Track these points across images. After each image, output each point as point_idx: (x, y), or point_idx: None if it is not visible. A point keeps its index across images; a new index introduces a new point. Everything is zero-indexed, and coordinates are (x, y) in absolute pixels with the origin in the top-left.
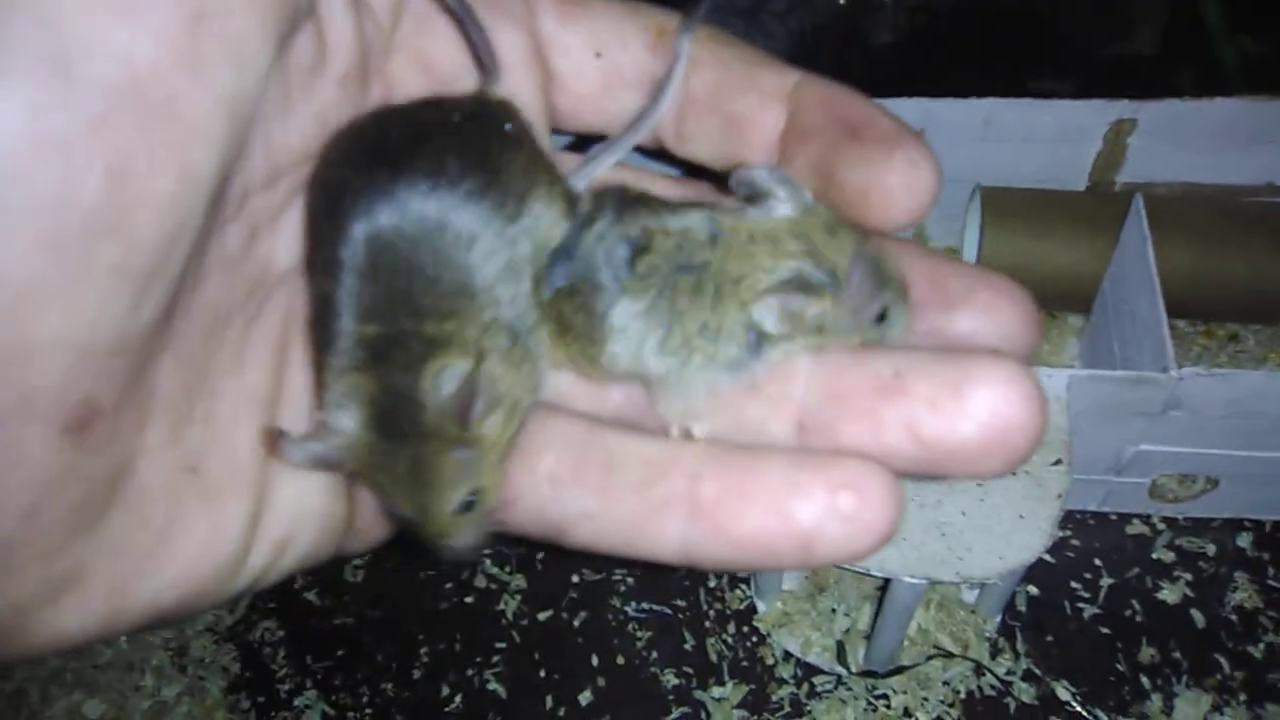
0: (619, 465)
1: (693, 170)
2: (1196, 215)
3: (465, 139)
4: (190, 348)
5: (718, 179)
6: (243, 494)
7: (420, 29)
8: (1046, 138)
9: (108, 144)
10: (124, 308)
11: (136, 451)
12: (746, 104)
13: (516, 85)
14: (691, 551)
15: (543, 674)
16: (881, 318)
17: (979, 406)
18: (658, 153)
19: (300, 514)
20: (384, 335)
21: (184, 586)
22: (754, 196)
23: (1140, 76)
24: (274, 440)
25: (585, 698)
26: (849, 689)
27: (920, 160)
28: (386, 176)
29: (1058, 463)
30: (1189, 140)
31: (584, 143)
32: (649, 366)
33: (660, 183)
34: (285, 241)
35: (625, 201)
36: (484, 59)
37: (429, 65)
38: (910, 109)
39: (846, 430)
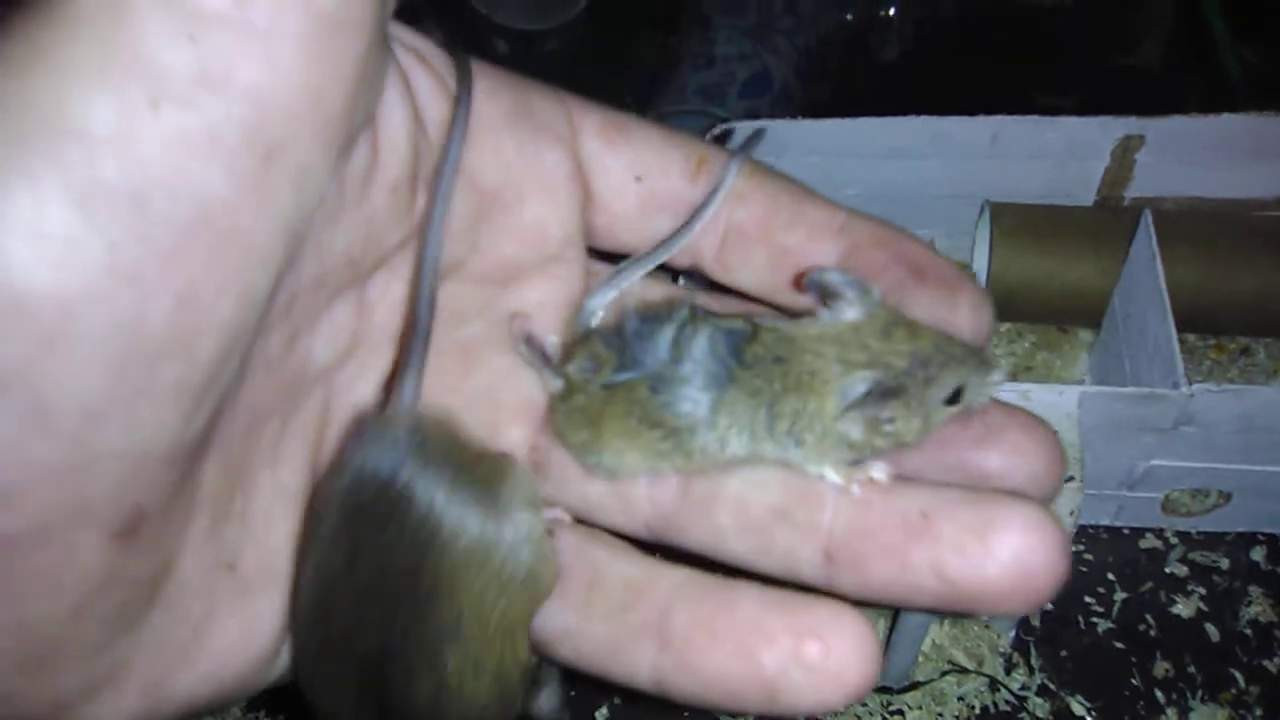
0: (601, 584)
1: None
2: (1205, 230)
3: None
4: (231, 446)
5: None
6: (276, 589)
7: (469, 142)
8: (1054, 154)
9: (178, 274)
10: (179, 421)
11: (179, 550)
12: (796, 237)
13: (558, 202)
14: (662, 683)
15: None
16: (955, 398)
17: (1004, 552)
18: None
19: None
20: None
21: (218, 681)
22: (825, 298)
23: (1146, 91)
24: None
25: (602, 714)
26: (865, 705)
27: (981, 301)
28: None
29: (1070, 479)
30: (1197, 155)
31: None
32: (764, 450)
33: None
34: (325, 341)
35: (693, 308)
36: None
37: (474, 178)
38: (918, 127)
39: (874, 567)
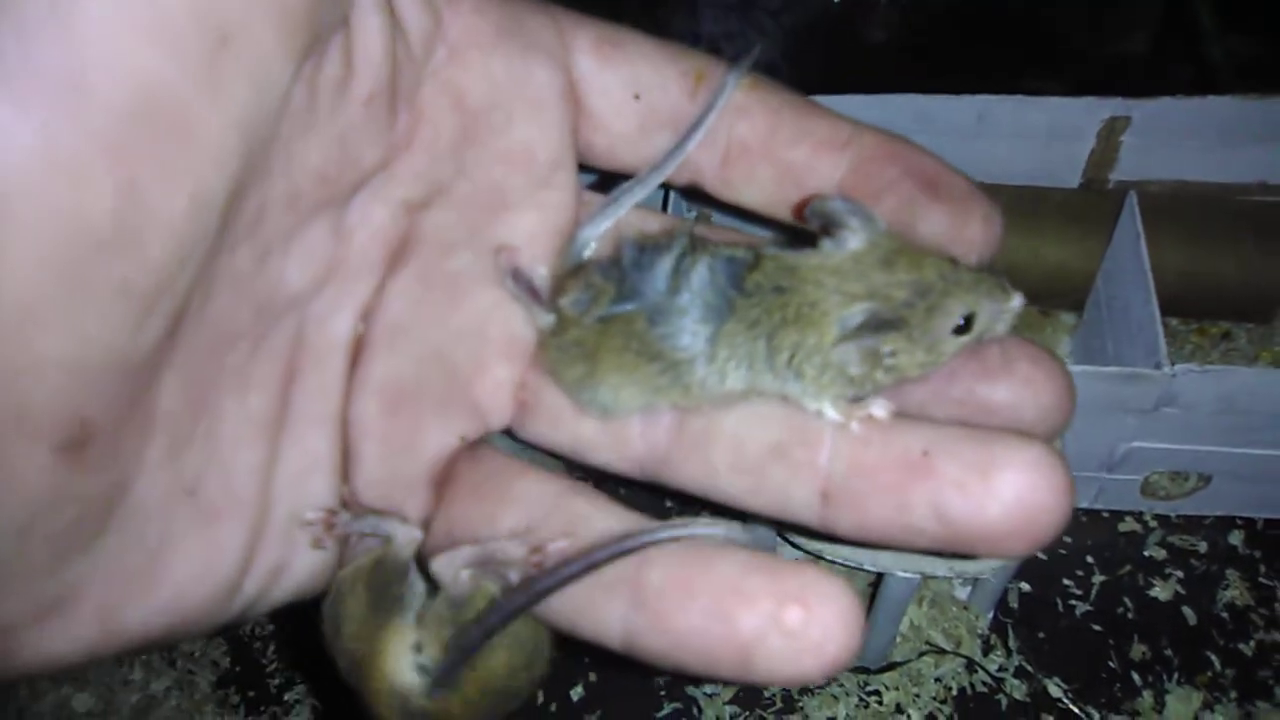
0: (577, 536)
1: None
2: (1189, 213)
3: None
4: (194, 366)
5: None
6: (239, 517)
7: (454, 59)
8: (1039, 135)
9: (120, 164)
10: (127, 327)
11: (134, 471)
12: (802, 152)
13: (546, 123)
14: (632, 640)
15: None
16: (966, 327)
17: (1006, 491)
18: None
19: (294, 542)
20: None
21: (176, 611)
22: (828, 227)
23: (1133, 76)
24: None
25: (577, 693)
26: (841, 685)
27: (993, 213)
28: None
29: None
30: (1182, 138)
31: (607, 181)
32: (763, 384)
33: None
34: (298, 263)
35: (692, 236)
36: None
37: (460, 97)
38: (903, 106)
39: (872, 506)
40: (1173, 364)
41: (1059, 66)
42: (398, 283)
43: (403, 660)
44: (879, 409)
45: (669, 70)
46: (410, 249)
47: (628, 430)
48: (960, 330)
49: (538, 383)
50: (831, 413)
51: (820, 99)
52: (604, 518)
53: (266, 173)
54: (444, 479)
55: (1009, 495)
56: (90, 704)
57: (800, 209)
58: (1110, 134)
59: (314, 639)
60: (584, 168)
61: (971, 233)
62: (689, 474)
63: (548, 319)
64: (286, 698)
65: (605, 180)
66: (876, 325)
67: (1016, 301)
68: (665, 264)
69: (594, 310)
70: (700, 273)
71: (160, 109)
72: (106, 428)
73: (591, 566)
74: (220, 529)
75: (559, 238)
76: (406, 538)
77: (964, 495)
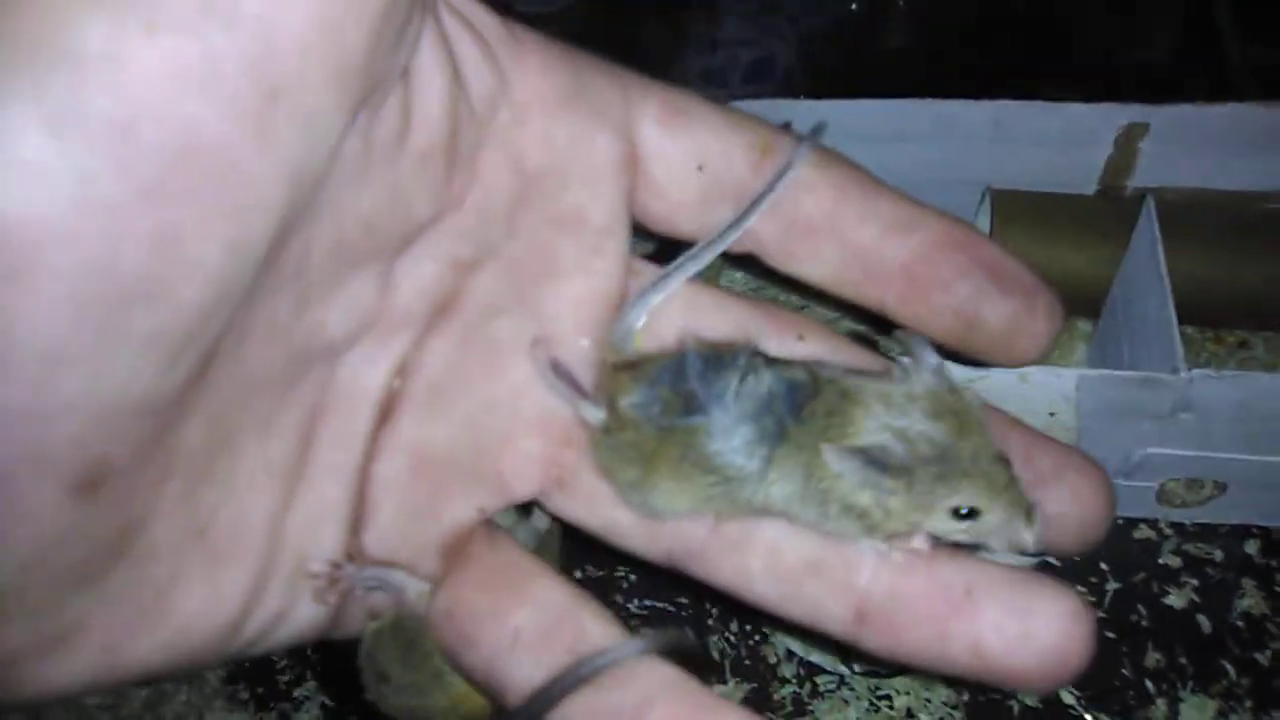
0: (579, 654)
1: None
2: (1207, 221)
3: None
4: (220, 408)
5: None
6: (247, 561)
7: (516, 121)
8: (1056, 141)
9: (159, 211)
10: (154, 372)
11: (148, 510)
12: (868, 233)
13: (601, 192)
14: None
15: None
16: (966, 514)
17: (1044, 639)
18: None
19: (298, 591)
20: None
21: (177, 648)
22: (907, 359)
23: (1151, 83)
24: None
25: None
26: (851, 689)
27: (1055, 305)
28: None
29: None
30: (1200, 145)
31: (665, 247)
32: (805, 515)
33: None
34: (339, 312)
35: (755, 352)
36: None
37: (519, 160)
38: (919, 111)
39: (909, 633)
40: (1189, 370)
41: (1077, 73)
42: (438, 342)
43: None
44: (920, 541)
45: (735, 141)
46: (454, 308)
47: (664, 524)
48: (959, 515)
49: (576, 463)
50: (874, 543)
51: (838, 102)
52: (604, 635)
53: (313, 221)
54: (455, 551)
55: (1048, 644)
56: (101, 697)
57: (885, 324)
58: (1128, 140)
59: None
60: (640, 231)
61: (1037, 327)
62: (721, 573)
63: (597, 414)
64: (296, 694)
65: (663, 247)
66: (882, 460)
67: (1028, 537)
68: (730, 382)
69: (659, 420)
70: (761, 395)
71: (205, 158)
72: (124, 468)
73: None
74: (227, 571)
75: (607, 306)
76: (416, 590)
77: (1003, 638)
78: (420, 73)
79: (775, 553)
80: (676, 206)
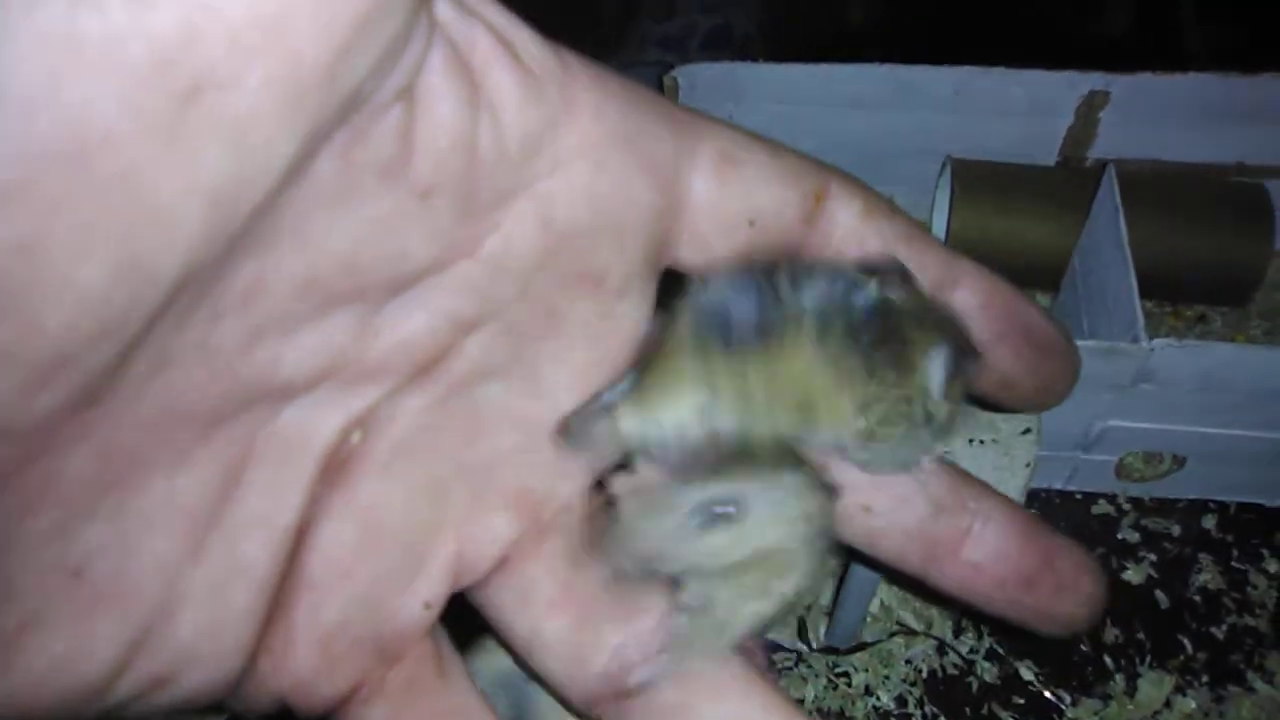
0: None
1: None
2: (1166, 193)
3: None
4: (120, 437)
5: None
6: (128, 612)
7: (558, 170)
8: (1018, 110)
9: (19, 217)
10: (9, 394)
11: (3, 544)
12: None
13: (627, 248)
14: None
15: None
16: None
17: None
18: None
19: (192, 655)
20: None
21: (22, 703)
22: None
23: (1111, 58)
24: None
25: None
26: (809, 666)
27: (1079, 361)
28: None
29: (1026, 431)
30: (1161, 116)
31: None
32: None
33: None
34: (300, 353)
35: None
36: None
37: (550, 215)
38: (881, 77)
39: None
40: (1150, 340)
41: (1038, 48)
42: (412, 399)
43: None
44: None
45: (789, 194)
46: (440, 367)
47: (591, 652)
48: None
49: (530, 549)
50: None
51: (797, 66)
52: None
53: (268, 249)
54: (390, 658)
55: None
56: None
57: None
58: (1089, 110)
59: None
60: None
61: (1064, 387)
62: None
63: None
64: None
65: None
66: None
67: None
68: (808, 293)
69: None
70: (838, 305)
71: (89, 160)
72: None
73: None
74: (100, 619)
75: (606, 373)
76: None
77: None
78: (426, 98)
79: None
80: (718, 259)
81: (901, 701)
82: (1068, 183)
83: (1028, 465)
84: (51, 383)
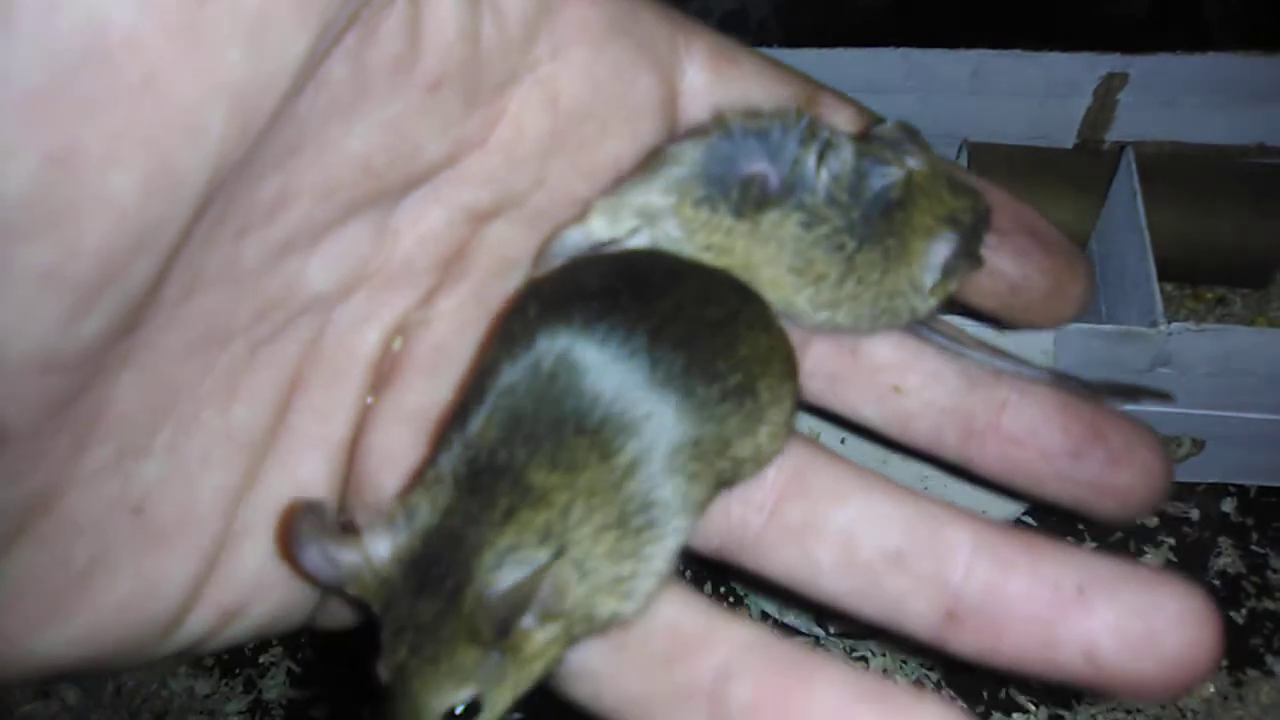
0: (642, 627)
1: None
2: (1185, 175)
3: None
4: (163, 368)
5: None
6: (192, 547)
7: (557, 53)
8: (1035, 93)
9: (51, 126)
10: (55, 320)
11: (62, 481)
12: None
13: (638, 137)
14: None
15: None
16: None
17: (1170, 645)
18: None
19: (260, 584)
20: (489, 459)
21: (93, 644)
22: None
23: (1129, 39)
24: (296, 517)
25: None
26: (827, 651)
27: (1090, 270)
28: (620, 314)
29: None
30: (1180, 97)
31: None
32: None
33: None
34: (325, 262)
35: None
36: None
37: (555, 97)
38: (897, 61)
39: (1011, 635)
40: (1169, 324)
41: (1054, 29)
42: (445, 300)
43: None
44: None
45: (780, 92)
46: (465, 261)
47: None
48: None
49: None
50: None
51: (813, 51)
52: (675, 609)
53: (289, 155)
54: None
55: (1172, 652)
56: None
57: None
58: (1107, 92)
59: None
60: None
61: (1076, 288)
62: (781, 564)
63: None
64: (261, 660)
65: None
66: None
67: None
68: (808, 159)
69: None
70: (848, 175)
71: (114, 64)
72: (25, 430)
73: None
74: (166, 556)
75: None
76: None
77: (1123, 643)
78: None
79: (850, 543)
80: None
81: (919, 685)
82: (1085, 165)
83: None
84: (95, 305)
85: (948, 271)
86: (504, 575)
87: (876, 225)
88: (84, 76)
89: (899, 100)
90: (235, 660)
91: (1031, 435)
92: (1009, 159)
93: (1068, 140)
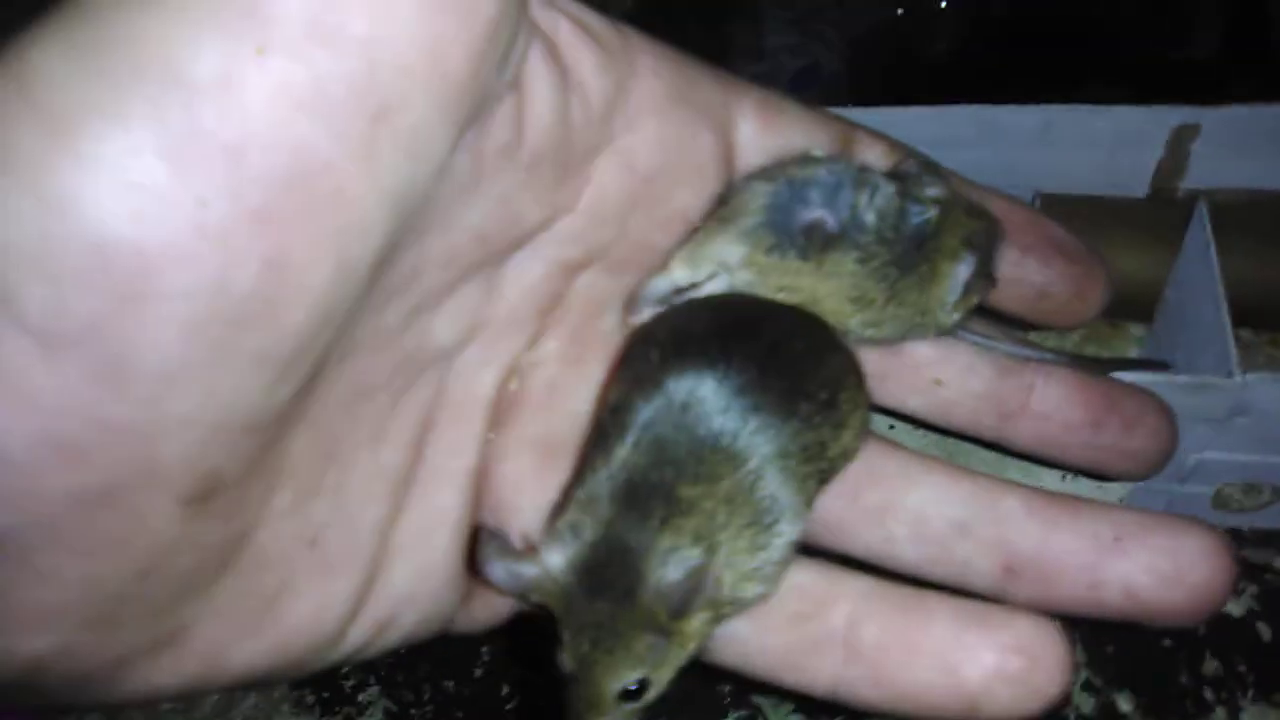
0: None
1: None
2: (1260, 222)
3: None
4: (328, 419)
5: None
6: (354, 572)
7: (631, 124)
8: (1106, 144)
9: (268, 236)
10: (261, 390)
11: (258, 521)
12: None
13: (704, 189)
14: (843, 691)
15: None
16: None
17: (1195, 577)
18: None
19: (408, 598)
20: (642, 479)
21: (279, 656)
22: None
23: (1197, 83)
24: (480, 541)
25: None
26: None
27: (1108, 276)
28: (734, 351)
29: None
30: (1253, 146)
31: None
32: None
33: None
34: (448, 319)
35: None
36: None
37: (631, 163)
38: (967, 117)
39: (1063, 582)
40: (1244, 373)
41: (1122, 74)
42: (551, 342)
43: None
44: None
45: (822, 136)
46: (561, 307)
47: None
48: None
49: None
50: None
51: (883, 110)
52: (799, 573)
53: (423, 235)
54: None
55: (1198, 581)
56: (173, 703)
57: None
58: (1178, 142)
59: None
60: None
61: (1096, 292)
62: (864, 542)
63: None
64: (360, 698)
65: None
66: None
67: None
68: (856, 201)
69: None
70: (889, 212)
71: (313, 181)
72: (234, 480)
73: None
74: (334, 581)
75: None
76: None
77: (1156, 578)
78: (529, 83)
79: (921, 519)
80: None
81: None
82: (1158, 215)
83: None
84: (289, 375)
85: (968, 289)
86: (671, 570)
87: (914, 255)
88: (291, 194)
89: (971, 154)
90: (335, 698)
91: (1057, 411)
92: (1081, 210)
93: (1140, 190)
